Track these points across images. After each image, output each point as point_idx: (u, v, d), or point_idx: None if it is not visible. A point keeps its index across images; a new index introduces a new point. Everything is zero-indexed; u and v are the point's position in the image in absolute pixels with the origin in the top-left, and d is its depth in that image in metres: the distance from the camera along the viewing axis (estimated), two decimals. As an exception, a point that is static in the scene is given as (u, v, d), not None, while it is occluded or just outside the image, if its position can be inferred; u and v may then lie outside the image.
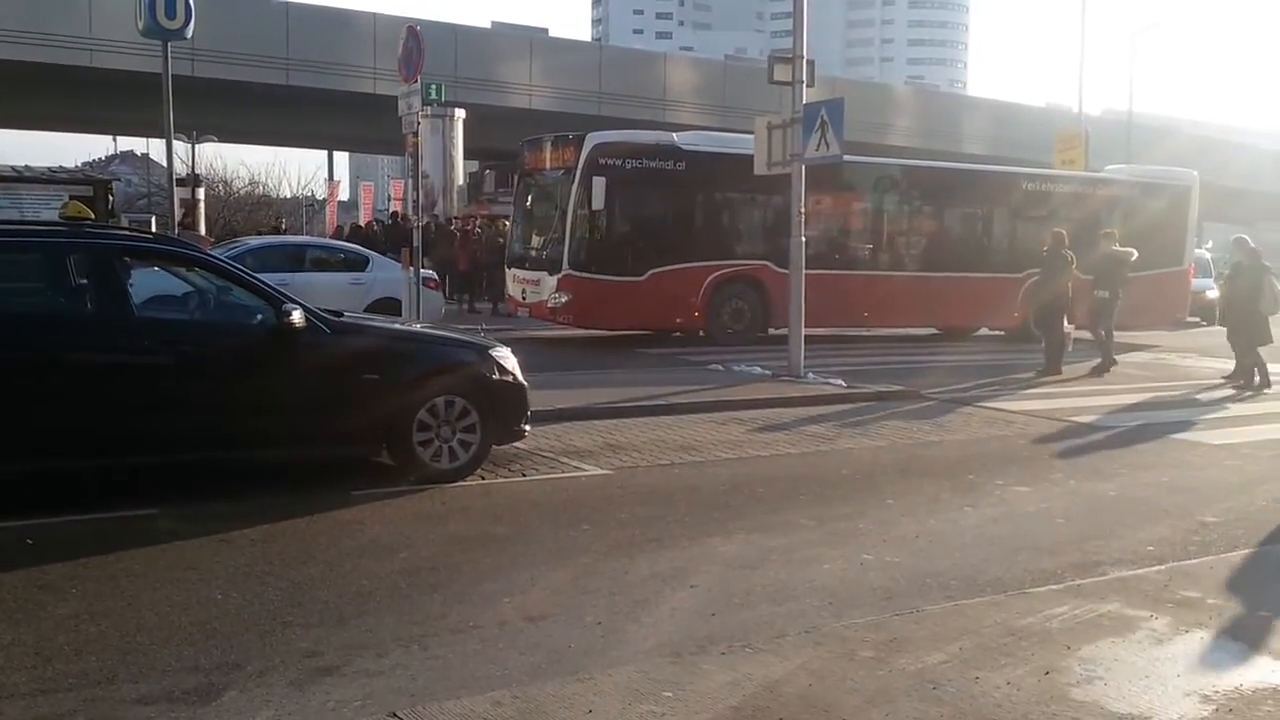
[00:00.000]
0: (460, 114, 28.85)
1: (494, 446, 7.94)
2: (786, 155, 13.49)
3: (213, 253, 8.10)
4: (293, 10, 30.78)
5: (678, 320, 17.66)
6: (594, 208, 16.29)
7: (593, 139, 16.63)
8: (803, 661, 4.35)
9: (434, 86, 16.79)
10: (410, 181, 15.91)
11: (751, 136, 18.46)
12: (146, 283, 7.43)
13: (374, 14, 31.63)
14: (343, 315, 7.87)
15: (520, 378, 8.03)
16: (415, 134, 13.99)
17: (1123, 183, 21.92)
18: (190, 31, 15.51)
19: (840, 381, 13.01)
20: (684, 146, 17.42)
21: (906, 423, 10.78)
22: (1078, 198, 21.03)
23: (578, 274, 16.55)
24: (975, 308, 20.01)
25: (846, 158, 18.66)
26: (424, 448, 7.46)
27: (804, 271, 13.54)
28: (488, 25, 37.46)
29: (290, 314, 6.99)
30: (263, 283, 7.42)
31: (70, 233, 7.16)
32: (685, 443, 9.40)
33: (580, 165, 16.33)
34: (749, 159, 17.49)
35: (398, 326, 8.87)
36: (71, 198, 16.84)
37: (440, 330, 8.48)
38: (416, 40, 13.48)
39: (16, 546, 5.76)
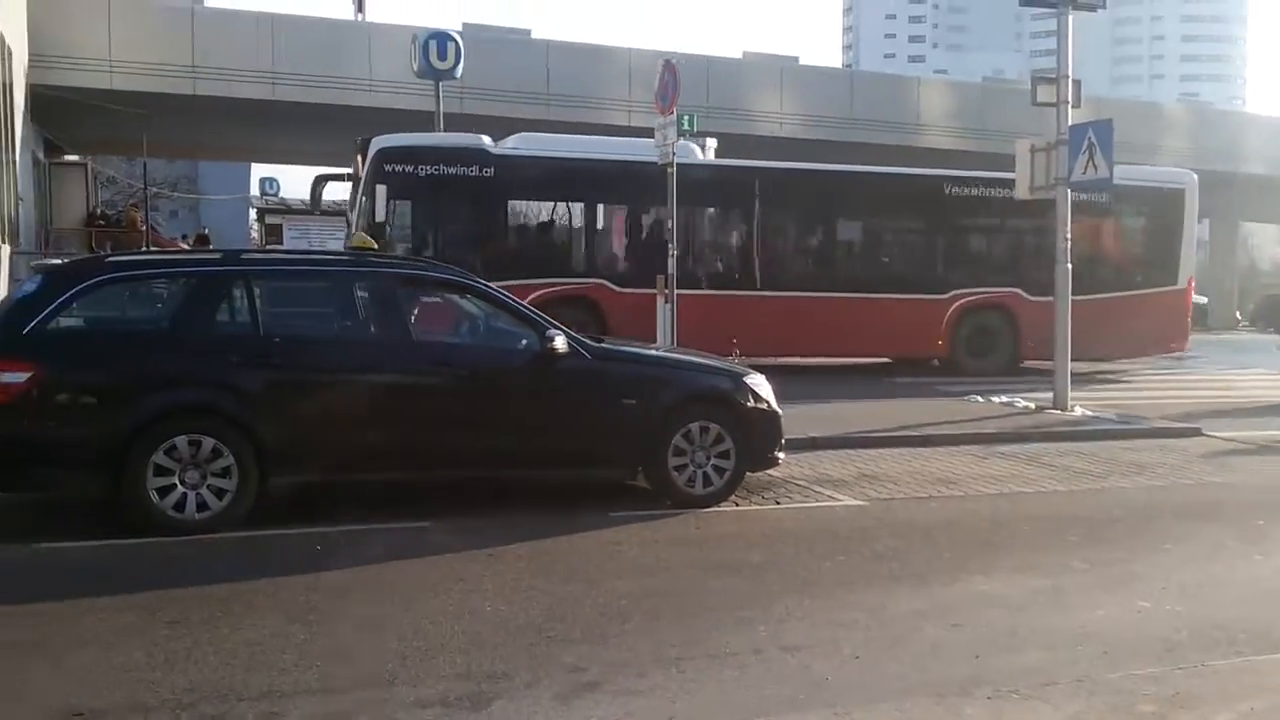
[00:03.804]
0: (712, 143, 29.13)
1: (747, 473, 7.97)
2: (1050, 179, 12.95)
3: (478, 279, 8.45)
4: (553, 48, 32.02)
5: None
6: (376, 220, 14.33)
7: (377, 142, 15.05)
8: (1075, 711, 4.13)
9: (687, 117, 17.02)
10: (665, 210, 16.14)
11: (584, 138, 17.08)
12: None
13: (629, 49, 32.48)
14: (603, 341, 8.11)
15: (774, 405, 8.04)
16: (672, 165, 14.23)
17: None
18: (460, 71, 16.39)
19: (1112, 416, 12.34)
20: (493, 151, 15.71)
21: (1186, 462, 10.08)
22: (1027, 205, 17.02)
23: None
24: (887, 334, 16.95)
25: (722, 161, 16.98)
26: (679, 472, 7.58)
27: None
28: (739, 55, 37.63)
29: (554, 339, 7.27)
30: (528, 309, 7.75)
31: (357, 261, 7.68)
32: (944, 475, 9.13)
33: (365, 172, 14.55)
34: (577, 163, 15.79)
35: (656, 352, 9.05)
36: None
37: (697, 356, 8.59)
38: (673, 74, 13.72)
39: (307, 552, 6.22)
